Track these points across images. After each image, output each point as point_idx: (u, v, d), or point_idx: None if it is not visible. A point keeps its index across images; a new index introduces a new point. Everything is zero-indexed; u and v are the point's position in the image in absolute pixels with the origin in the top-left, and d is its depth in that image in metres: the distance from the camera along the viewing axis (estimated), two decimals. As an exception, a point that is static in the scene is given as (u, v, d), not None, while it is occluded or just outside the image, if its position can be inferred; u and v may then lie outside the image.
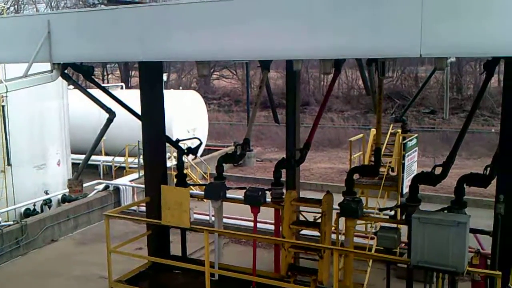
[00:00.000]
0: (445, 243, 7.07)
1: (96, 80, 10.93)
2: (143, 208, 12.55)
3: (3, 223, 15.20)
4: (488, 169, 8.50)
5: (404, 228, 9.48)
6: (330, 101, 38.99)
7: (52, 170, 18.50)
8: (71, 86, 13.33)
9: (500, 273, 7.14)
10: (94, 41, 8.13)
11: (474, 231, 8.97)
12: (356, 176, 12.11)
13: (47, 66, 8.56)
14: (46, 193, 17.97)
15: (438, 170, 8.95)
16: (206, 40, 7.18)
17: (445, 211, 8.44)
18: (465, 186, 8.61)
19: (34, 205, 17.29)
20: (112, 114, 10.00)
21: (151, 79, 10.46)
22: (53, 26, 8.28)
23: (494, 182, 8.19)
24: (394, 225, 9.30)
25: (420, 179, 9.04)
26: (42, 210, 17.37)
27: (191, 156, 15.60)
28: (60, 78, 8.97)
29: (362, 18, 6.22)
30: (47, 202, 17.73)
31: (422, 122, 35.26)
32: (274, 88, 33.14)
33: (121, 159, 23.38)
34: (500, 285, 7.08)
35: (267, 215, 11.11)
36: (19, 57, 8.55)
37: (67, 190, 17.04)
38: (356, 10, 6.29)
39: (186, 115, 24.44)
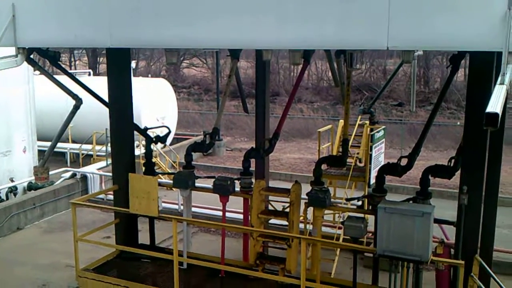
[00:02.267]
0: (410, 233, 7.20)
1: (63, 66, 10.75)
2: (111, 197, 12.43)
3: (-34, 211, 14.91)
4: (453, 161, 8.67)
5: (371, 218, 9.63)
6: (299, 92, 39.20)
7: (17, 157, 18.20)
8: (37, 72, 13.08)
9: (463, 262, 7.32)
10: (61, 26, 7.98)
11: (438, 221, 9.12)
12: (324, 166, 12.23)
13: (12, 50, 8.37)
14: (12, 180, 17.67)
15: (404, 162, 9.10)
16: (175, 28, 7.14)
17: (411, 202, 8.59)
18: (430, 177, 8.76)
19: (0, 193, 17.02)
20: (78, 101, 9.88)
21: (119, 66, 10.33)
22: (18, 10, 8.10)
23: (458, 173, 8.36)
24: (361, 215, 9.42)
25: (386, 170, 9.17)
26: (7, 198, 17.10)
27: (160, 145, 15.53)
28: (25, 63, 8.79)
29: (330, 10, 6.28)
30: (13, 190, 17.46)
31: (390, 114, 35.73)
32: (244, 77, 33.21)
33: (89, 146, 23.11)
34: (463, 274, 7.26)
35: (236, 204, 11.14)
36: (-17, 41, 8.34)
37: (33, 177, 16.76)
38: (325, 1, 6.33)
39: (155, 103, 24.26)
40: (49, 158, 10.01)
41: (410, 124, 30.89)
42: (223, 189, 9.83)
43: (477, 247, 8.12)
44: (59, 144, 20.10)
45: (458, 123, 28.92)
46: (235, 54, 10.96)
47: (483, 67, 7.46)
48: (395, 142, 27.31)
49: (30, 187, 17.95)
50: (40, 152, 18.28)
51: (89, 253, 10.65)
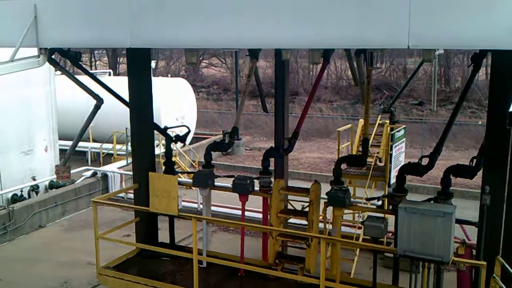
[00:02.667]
0: (431, 233, 7.14)
1: (84, 66, 10.85)
2: (132, 195, 12.53)
3: (-11, 209, 15.14)
4: (474, 160, 8.57)
5: (391, 218, 9.56)
6: (319, 91, 39.06)
7: (39, 156, 18.40)
8: (59, 72, 13.22)
9: (485, 263, 7.22)
10: (82, 26, 8.05)
11: (460, 221, 9.05)
12: (345, 166, 12.18)
13: (34, 51, 8.47)
14: (34, 179, 17.88)
15: (425, 161, 9.02)
16: (195, 28, 7.15)
17: (432, 202, 8.52)
18: (451, 177, 8.67)
19: (22, 191, 17.22)
20: (99, 101, 9.95)
21: (139, 66, 10.41)
22: (40, 11, 8.18)
23: (480, 173, 8.27)
24: (381, 215, 9.37)
25: (406, 169, 9.09)
26: (29, 196, 17.30)
27: (179, 144, 15.59)
28: (47, 63, 8.89)
29: (350, 9, 6.22)
30: (35, 188, 17.66)
31: (410, 113, 35.43)
32: (263, 77, 33.19)
33: (109, 145, 23.30)
34: (485, 275, 7.17)
35: (255, 203, 11.15)
36: (6, 41, 8.44)
37: (55, 176, 16.97)
38: (344, 0, 6.29)
39: (175, 102, 24.37)
40: (71, 157, 10.10)
41: (430, 124, 30.61)
42: (242, 188, 9.84)
43: (499, 247, 8.01)
44: (80, 143, 20.37)
45: (480, 122, 28.57)
46: (254, 54, 10.96)
47: (506, 66, 7.36)
48: (415, 141, 27.07)
49: (52, 185, 18.15)
50: (62, 151, 18.50)
51: (110, 251, 10.74)
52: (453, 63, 41.50)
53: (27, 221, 15.38)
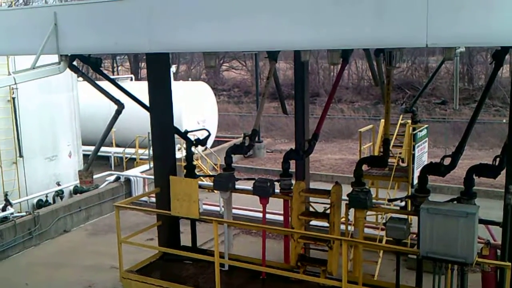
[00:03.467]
0: (454, 234, 7.04)
1: (106, 71, 10.98)
2: (154, 199, 12.61)
3: (16, 214, 15.38)
4: (498, 159, 8.43)
5: (414, 219, 9.45)
6: (340, 92, 38.91)
7: (63, 162, 18.66)
8: (81, 78, 13.38)
9: (510, 264, 7.10)
10: (101, 33, 8.14)
11: (484, 221, 8.90)
12: (367, 167, 12.09)
13: (55, 58, 8.59)
14: (58, 184, 18.13)
15: (448, 161, 8.90)
16: (212, 31, 7.17)
17: (455, 202, 8.40)
18: (474, 176, 8.54)
19: (47, 196, 17.48)
20: (120, 106, 10.04)
21: (159, 70, 10.48)
22: (60, 18, 8.29)
23: (503, 172, 8.13)
24: (404, 216, 9.27)
25: (429, 169, 8.99)
26: (54, 201, 17.55)
27: (201, 147, 15.66)
28: (68, 70, 9.00)
29: (368, 8, 6.17)
30: (59, 193, 17.91)
31: (433, 112, 35.04)
32: (283, 79, 33.19)
33: (132, 150, 23.50)
34: (510, 276, 7.04)
35: (276, 206, 11.13)
36: (27, 49, 8.58)
37: (79, 181, 17.20)
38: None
39: (196, 106, 24.48)
40: (94, 162, 10.21)
41: (454, 123, 30.22)
42: (263, 190, 9.83)
43: (525, 248, 7.87)
44: (103, 148, 20.59)
45: (504, 121, 28.08)
46: (273, 55, 10.95)
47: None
48: (438, 141, 26.76)
49: (76, 190, 18.38)
50: (85, 157, 18.71)
51: (133, 254, 10.82)
52: (476, 61, 40.94)
53: (52, 226, 15.59)
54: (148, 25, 7.61)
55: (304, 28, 6.58)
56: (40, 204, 17.11)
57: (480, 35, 5.76)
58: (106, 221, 16.89)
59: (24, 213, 15.61)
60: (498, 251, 8.42)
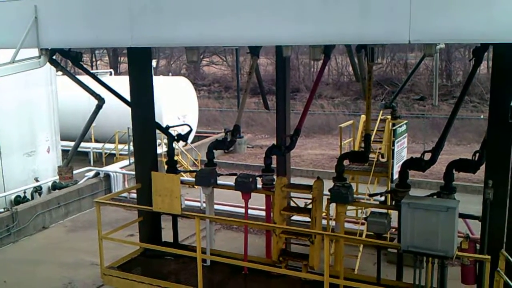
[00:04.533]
0: (435, 228, 7.13)
1: (85, 66, 10.84)
2: (134, 195, 12.53)
3: (-7, 211, 15.17)
4: (477, 154, 8.55)
5: (394, 214, 9.55)
6: (320, 87, 39.00)
7: (42, 157, 18.43)
8: (60, 72, 13.21)
9: (489, 257, 7.22)
10: (82, 27, 8.04)
11: (463, 216, 9.04)
12: (347, 162, 12.16)
13: (35, 52, 8.47)
14: (36, 180, 17.91)
15: (427, 156, 9.00)
16: (194, 26, 7.14)
17: (435, 197, 8.51)
18: (454, 171, 8.66)
19: (25, 192, 17.24)
20: (101, 101, 9.96)
21: (140, 65, 10.41)
22: (40, 11, 8.18)
23: (483, 167, 8.25)
24: (384, 211, 9.36)
25: (409, 164, 9.08)
26: (32, 197, 17.33)
27: (182, 143, 15.60)
28: (48, 64, 8.89)
29: (350, 4, 6.19)
30: (38, 189, 17.68)
31: (412, 108, 35.39)
32: (264, 74, 33.12)
33: (111, 146, 23.32)
34: (489, 269, 7.16)
35: (258, 201, 11.14)
36: (7, 43, 8.43)
37: (58, 177, 17.03)
38: (345, -5, 6.26)
39: (176, 101, 24.37)
40: (73, 157, 10.11)
41: (432, 119, 30.57)
42: (245, 186, 9.84)
43: (503, 241, 7.99)
44: (82, 144, 20.30)
45: (482, 116, 28.53)
46: (254, 51, 10.95)
47: (507, 59, 7.33)
48: (417, 136, 27.06)
49: (55, 186, 18.19)
50: (64, 152, 18.52)
51: (113, 251, 10.75)
52: (455, 57, 41.42)
53: (31, 223, 15.41)
54: (130, 19, 7.55)
55: (288, 24, 6.58)
56: (18, 200, 16.88)
57: (461, 32, 5.83)
58: (85, 217, 16.75)
59: (2, 210, 15.37)
60: (477, 245, 8.54)
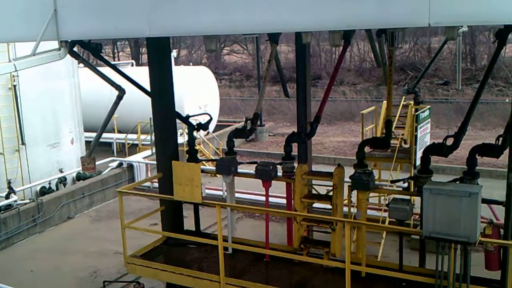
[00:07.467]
0: (457, 214, 7.04)
1: (107, 57, 10.91)
2: (157, 184, 12.63)
3: (19, 202, 15.44)
4: (500, 139, 8.39)
5: (417, 200, 9.44)
6: (342, 74, 38.77)
7: (66, 148, 18.69)
8: (82, 65, 13.33)
9: (513, 242, 7.11)
10: (101, 18, 8.08)
11: (487, 201, 8.90)
12: (369, 149, 12.06)
13: (55, 44, 8.55)
14: (61, 171, 18.18)
15: (450, 141, 8.86)
16: (212, 14, 7.11)
17: (457, 182, 8.38)
18: (477, 156, 8.51)
19: (50, 183, 17.53)
20: (121, 92, 9.99)
21: (159, 55, 10.42)
22: (59, 4, 8.23)
23: (506, 152, 8.09)
24: (407, 197, 9.27)
25: (431, 150, 8.95)
26: (57, 188, 17.60)
27: (203, 132, 15.65)
28: (69, 56, 8.95)
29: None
30: (62, 180, 17.95)
31: (436, 93, 34.93)
32: (285, 62, 33.04)
33: (134, 136, 23.52)
34: (513, 254, 7.06)
35: (279, 189, 11.14)
36: (27, 36, 8.52)
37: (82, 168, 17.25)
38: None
39: (197, 91, 24.43)
40: (96, 148, 10.20)
41: (456, 103, 30.14)
42: (265, 174, 9.82)
43: (528, 227, 7.87)
44: (106, 135, 20.61)
45: (507, 100, 28.03)
46: (274, 38, 10.87)
47: (531, 41, 7.17)
48: (441, 122, 26.71)
49: (79, 177, 18.43)
50: (88, 143, 18.73)
51: (137, 240, 10.86)
52: (479, 41, 40.70)
53: (56, 213, 15.67)
54: (148, 9, 7.55)
55: (305, 9, 6.50)
56: (44, 191, 17.17)
57: (483, 14, 5.69)
58: (109, 207, 16.96)
59: (28, 201, 15.66)
60: (501, 230, 8.41)
